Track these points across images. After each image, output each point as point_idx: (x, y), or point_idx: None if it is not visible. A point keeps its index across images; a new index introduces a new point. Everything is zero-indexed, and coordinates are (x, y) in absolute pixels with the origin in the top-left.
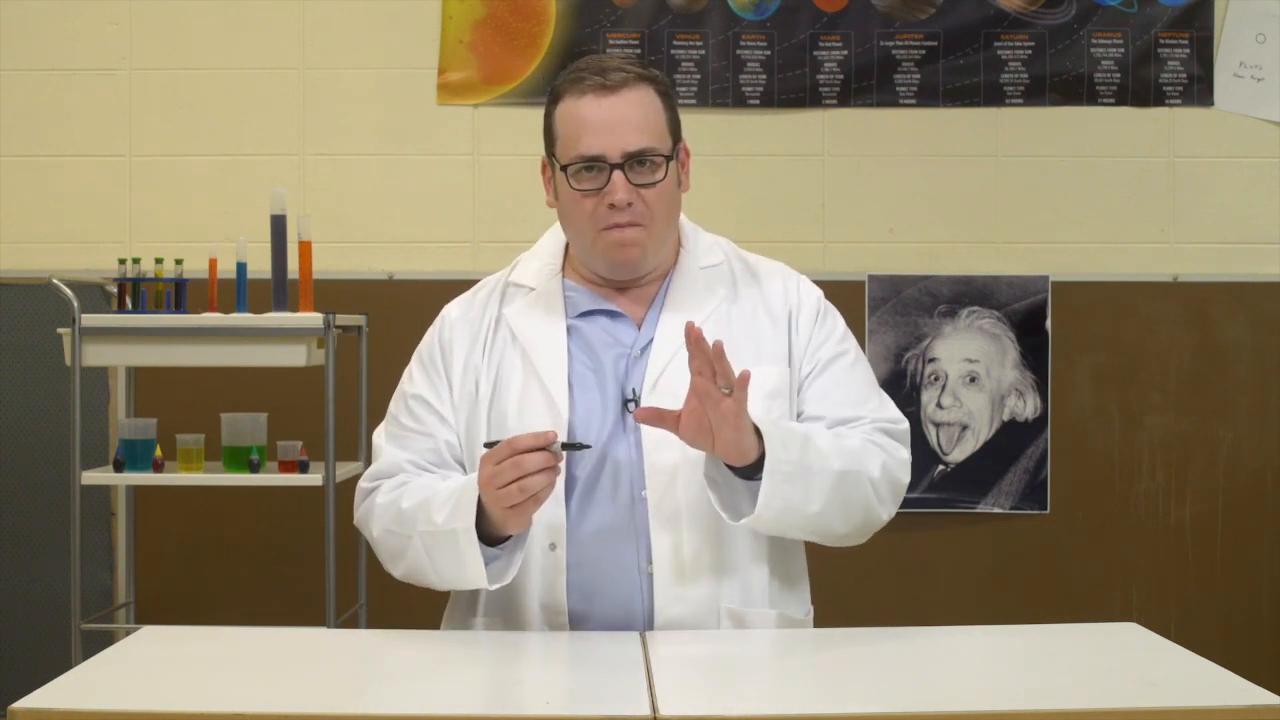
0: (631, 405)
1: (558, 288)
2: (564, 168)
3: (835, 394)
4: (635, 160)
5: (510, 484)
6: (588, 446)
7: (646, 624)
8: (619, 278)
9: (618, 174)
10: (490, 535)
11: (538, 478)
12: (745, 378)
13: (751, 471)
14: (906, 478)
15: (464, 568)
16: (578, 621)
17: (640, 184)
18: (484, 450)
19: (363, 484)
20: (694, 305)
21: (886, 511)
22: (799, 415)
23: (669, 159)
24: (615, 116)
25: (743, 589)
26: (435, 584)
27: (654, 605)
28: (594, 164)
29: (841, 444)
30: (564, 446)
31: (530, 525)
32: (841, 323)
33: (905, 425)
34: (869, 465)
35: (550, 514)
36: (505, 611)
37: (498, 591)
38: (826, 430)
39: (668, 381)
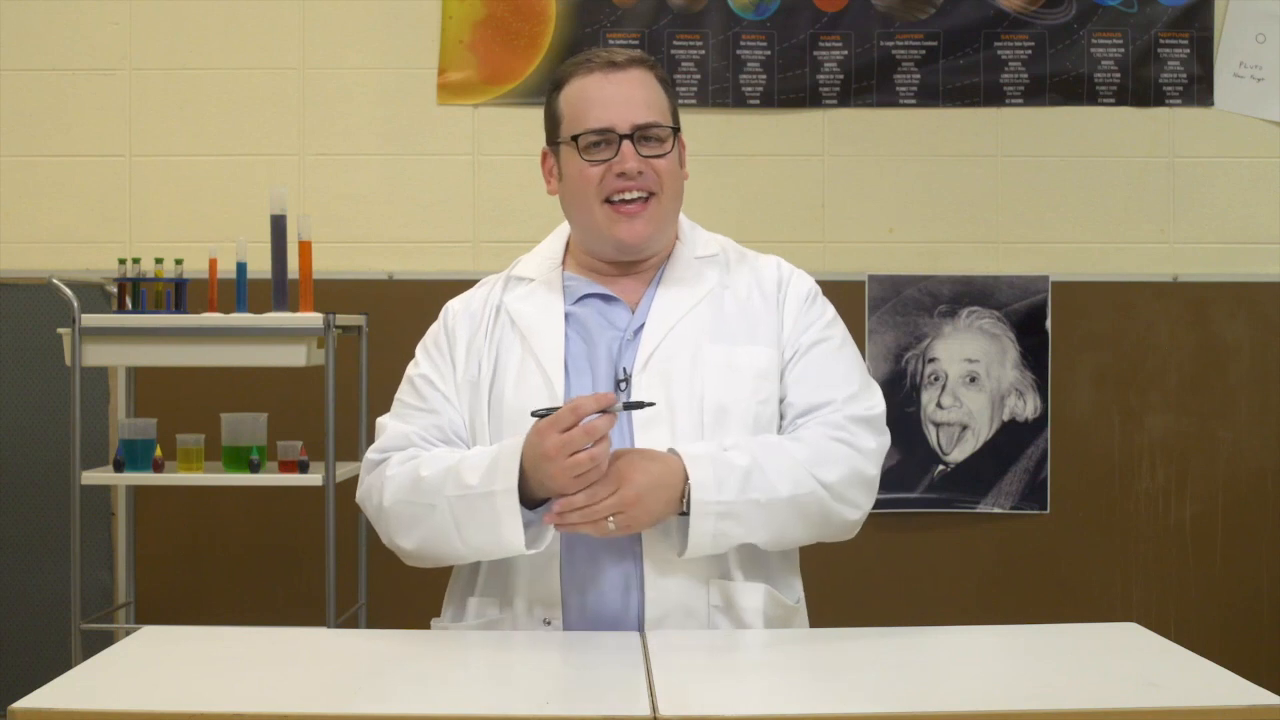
0: (623, 385)
1: (557, 278)
2: (574, 138)
3: (811, 379)
4: (642, 133)
5: (580, 452)
6: (652, 404)
7: (634, 599)
8: (624, 258)
9: (627, 144)
10: (524, 499)
11: (604, 444)
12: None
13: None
14: (874, 470)
15: (500, 531)
16: (571, 604)
17: (648, 155)
18: (534, 419)
19: (370, 455)
20: (688, 288)
21: (854, 511)
22: (781, 400)
23: (675, 132)
24: (623, 92)
25: (731, 566)
26: (458, 552)
27: (644, 581)
28: (603, 136)
29: (794, 460)
30: (626, 406)
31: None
32: (830, 311)
33: (880, 409)
34: (825, 474)
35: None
36: (500, 593)
37: (493, 573)
38: (785, 441)
39: (658, 362)
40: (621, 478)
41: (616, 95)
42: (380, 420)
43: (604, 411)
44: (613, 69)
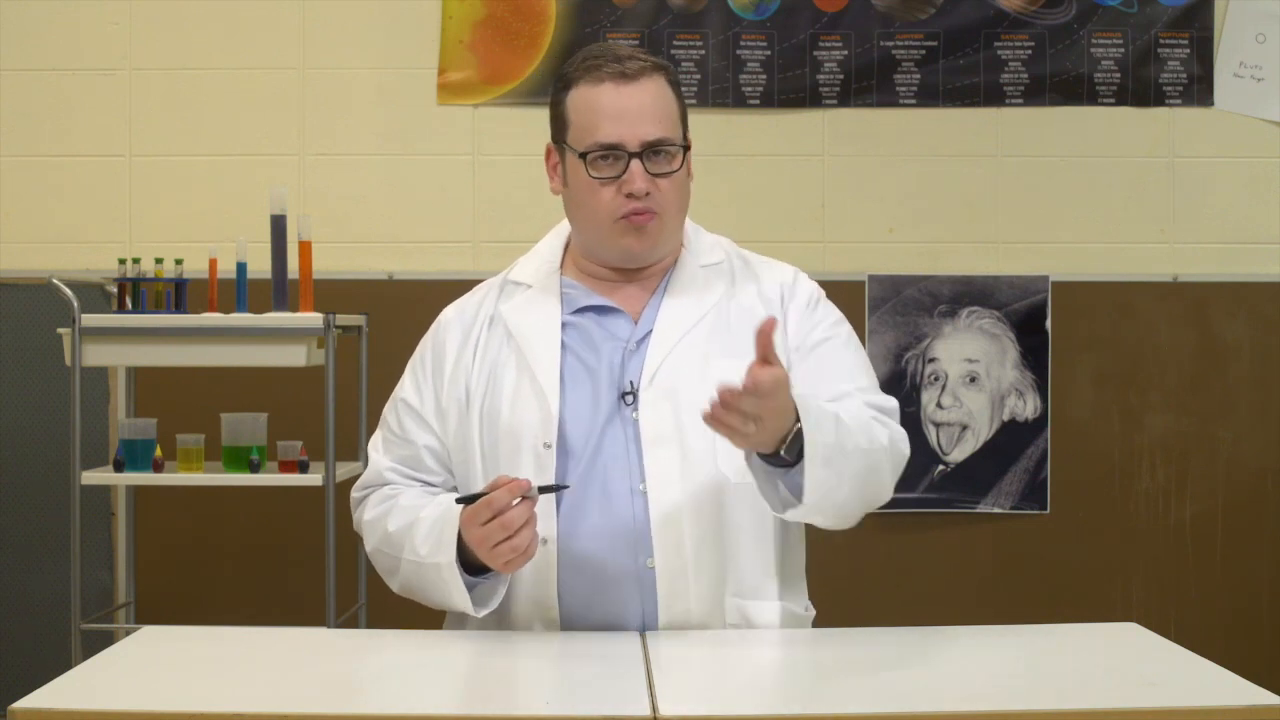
0: (629, 398)
1: (555, 284)
2: (581, 155)
3: (823, 373)
4: (652, 150)
5: (500, 544)
6: (566, 487)
7: (649, 620)
8: (629, 266)
9: (636, 163)
10: (475, 561)
11: (525, 533)
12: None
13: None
14: (907, 449)
15: (449, 597)
16: (571, 618)
17: (657, 173)
18: (460, 506)
19: (354, 493)
20: (693, 300)
21: (890, 488)
22: None
23: (685, 149)
24: (633, 105)
25: (747, 583)
26: (427, 604)
27: (657, 601)
28: (611, 152)
29: (858, 417)
30: (541, 490)
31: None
32: (835, 312)
33: (894, 404)
34: (879, 437)
35: (541, 510)
36: (498, 608)
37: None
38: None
39: (666, 373)
40: (776, 379)
41: (627, 109)
42: (370, 442)
43: (525, 498)
44: (624, 80)
